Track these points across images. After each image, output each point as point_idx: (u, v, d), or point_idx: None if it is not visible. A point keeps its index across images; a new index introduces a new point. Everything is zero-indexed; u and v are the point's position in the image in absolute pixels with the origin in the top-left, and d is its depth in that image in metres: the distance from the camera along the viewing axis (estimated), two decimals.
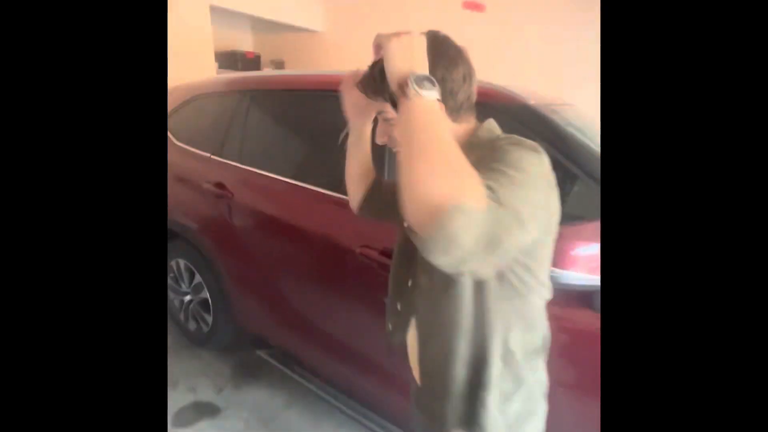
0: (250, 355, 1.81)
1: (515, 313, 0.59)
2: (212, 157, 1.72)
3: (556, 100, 1.54)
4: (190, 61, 3.16)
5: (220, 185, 1.61)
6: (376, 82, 0.58)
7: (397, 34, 0.51)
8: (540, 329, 0.64)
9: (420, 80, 0.47)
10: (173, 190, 1.86)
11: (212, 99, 1.84)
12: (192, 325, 1.97)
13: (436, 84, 0.49)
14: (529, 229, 0.48)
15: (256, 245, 1.59)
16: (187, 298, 1.93)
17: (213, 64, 3.59)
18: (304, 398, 1.67)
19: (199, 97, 1.90)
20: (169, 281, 1.99)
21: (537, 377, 0.65)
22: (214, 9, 3.40)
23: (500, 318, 0.58)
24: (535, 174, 0.51)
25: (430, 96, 0.47)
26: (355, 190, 0.82)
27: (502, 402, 0.61)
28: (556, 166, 0.92)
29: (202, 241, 1.74)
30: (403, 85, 0.48)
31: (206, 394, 1.70)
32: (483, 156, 0.52)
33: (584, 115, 1.63)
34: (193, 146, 1.83)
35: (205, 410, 1.62)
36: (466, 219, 0.41)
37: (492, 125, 0.64)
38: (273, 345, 1.72)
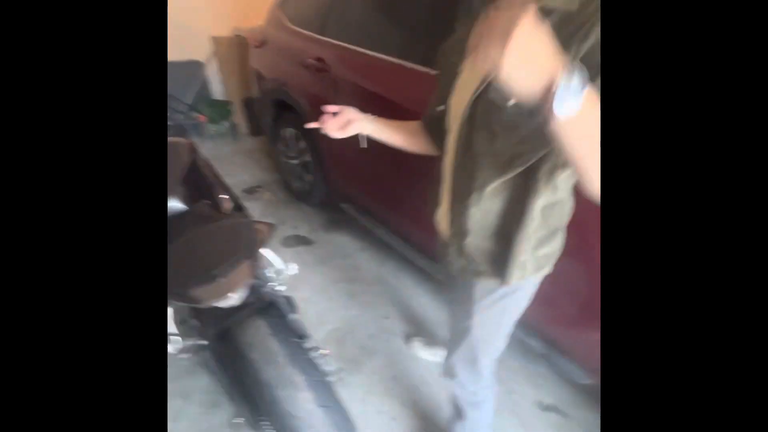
0: (337, 210, 2.27)
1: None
2: (315, 36, 1.98)
3: None
4: None
5: (320, 60, 1.90)
6: None
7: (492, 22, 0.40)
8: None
9: (566, 91, 0.40)
10: (285, 67, 2.22)
11: None
12: (297, 183, 2.48)
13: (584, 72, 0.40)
14: None
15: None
16: (294, 161, 2.41)
17: None
18: (375, 245, 2.09)
19: None
20: (280, 147, 2.49)
21: (564, 225, 0.76)
22: None
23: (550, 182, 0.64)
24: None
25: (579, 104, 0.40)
26: (419, 147, 0.90)
27: (535, 247, 0.72)
28: None
29: (307, 112, 2.11)
30: (544, 104, 0.41)
31: (304, 231, 2.24)
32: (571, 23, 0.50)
33: None
34: (301, 28, 2.11)
35: (302, 241, 2.16)
36: None
37: None
38: (355, 202, 2.11)
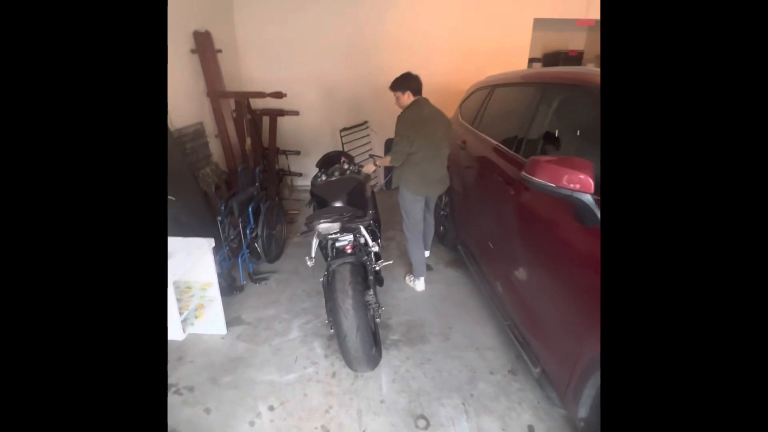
0: (457, 250, 2.90)
1: None
2: (469, 126, 2.83)
3: None
4: (509, 66, 4.30)
5: (463, 141, 2.71)
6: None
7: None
8: None
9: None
10: (454, 150, 3.13)
11: (479, 91, 2.92)
12: (440, 229, 3.28)
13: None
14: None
15: (465, 179, 2.59)
16: (442, 213, 3.24)
17: (525, 65, 4.57)
18: (474, 282, 2.60)
19: (475, 91, 3.04)
20: (438, 202, 3.36)
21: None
22: (547, 20, 4.36)
23: None
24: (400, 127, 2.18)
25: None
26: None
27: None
28: None
29: (452, 178, 2.93)
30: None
31: (431, 261, 2.98)
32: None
33: None
34: (465, 121, 3.01)
35: (427, 268, 2.90)
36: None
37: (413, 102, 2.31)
38: (466, 246, 2.71)
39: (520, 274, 1.74)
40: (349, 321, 1.62)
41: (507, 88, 2.46)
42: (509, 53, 4.47)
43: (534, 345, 1.63)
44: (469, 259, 2.56)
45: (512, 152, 1.98)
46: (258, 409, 1.65)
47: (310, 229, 1.79)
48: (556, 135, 1.78)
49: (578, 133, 1.63)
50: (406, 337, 2.13)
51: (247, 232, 2.59)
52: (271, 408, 1.66)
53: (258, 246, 2.70)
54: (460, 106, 3.34)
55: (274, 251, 2.94)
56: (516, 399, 1.71)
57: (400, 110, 2.34)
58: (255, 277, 2.67)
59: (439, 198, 3.29)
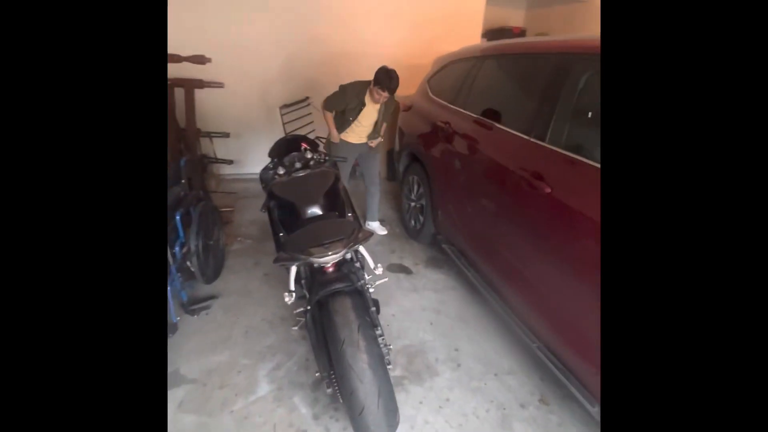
0: (440, 250, 2.54)
1: None
2: (448, 104, 2.42)
3: None
4: (461, 39, 3.96)
5: (446, 122, 2.31)
6: None
7: None
8: None
9: None
10: (421, 126, 2.70)
11: (458, 64, 2.51)
12: (411, 223, 2.87)
13: None
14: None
15: (453, 168, 2.21)
16: (412, 204, 2.83)
17: (479, 40, 4.29)
18: (465, 287, 2.26)
19: (449, 63, 2.62)
20: (405, 190, 2.95)
21: None
22: None
23: None
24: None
25: None
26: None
27: None
28: None
29: (428, 164, 2.52)
30: None
31: (408, 262, 2.57)
32: None
33: None
34: (440, 98, 2.59)
35: (404, 270, 2.49)
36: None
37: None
38: (453, 245, 2.36)
39: (555, 283, 1.42)
40: (367, 385, 1.13)
41: (508, 59, 2.08)
42: (462, 26, 4.13)
43: (577, 367, 1.33)
44: (461, 261, 2.21)
45: (533, 139, 1.63)
46: None
47: (293, 259, 1.23)
48: (590, 116, 1.46)
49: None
50: (409, 371, 1.71)
51: (176, 248, 1.88)
52: None
53: (191, 264, 2.00)
54: (428, 81, 2.91)
55: (213, 267, 2.25)
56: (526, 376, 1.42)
57: (378, 104, 2.56)
58: (191, 308, 1.98)
59: (409, 188, 2.90)
